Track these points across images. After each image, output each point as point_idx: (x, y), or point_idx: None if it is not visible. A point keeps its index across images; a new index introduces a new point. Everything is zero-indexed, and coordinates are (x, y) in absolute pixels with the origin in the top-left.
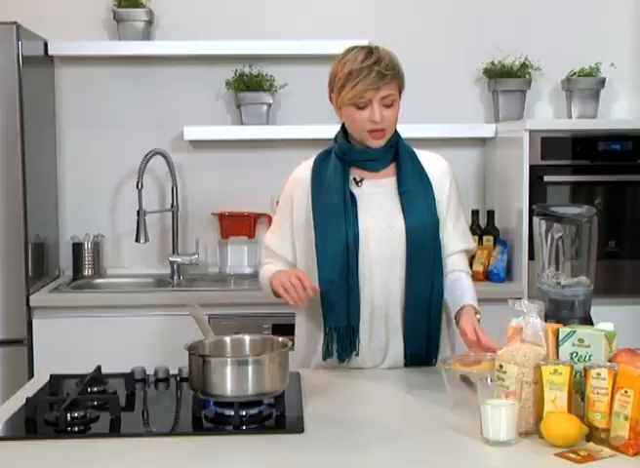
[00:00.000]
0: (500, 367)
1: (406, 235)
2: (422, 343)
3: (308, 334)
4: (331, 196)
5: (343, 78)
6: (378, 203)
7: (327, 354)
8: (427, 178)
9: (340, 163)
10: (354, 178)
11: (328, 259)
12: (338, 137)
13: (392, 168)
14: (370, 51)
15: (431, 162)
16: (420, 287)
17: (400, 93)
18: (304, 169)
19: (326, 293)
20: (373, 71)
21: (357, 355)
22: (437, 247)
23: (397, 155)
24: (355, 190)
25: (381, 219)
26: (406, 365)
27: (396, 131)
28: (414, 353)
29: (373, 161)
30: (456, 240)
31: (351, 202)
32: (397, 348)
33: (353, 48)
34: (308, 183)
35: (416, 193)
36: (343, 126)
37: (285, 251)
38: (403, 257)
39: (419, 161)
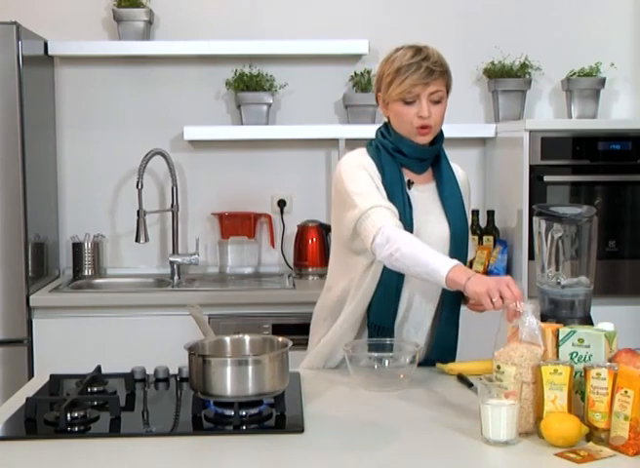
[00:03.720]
0: (498, 367)
1: (450, 241)
2: (447, 349)
3: (353, 332)
4: (395, 197)
5: (392, 74)
6: (424, 207)
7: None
8: (459, 186)
9: (394, 162)
10: (408, 181)
11: None
12: (386, 134)
13: (430, 173)
14: (419, 49)
15: (455, 171)
16: (455, 294)
17: (448, 91)
18: (366, 160)
19: (376, 293)
20: (422, 67)
21: None
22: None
23: (436, 160)
24: (408, 193)
25: (428, 224)
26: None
27: (442, 133)
28: (436, 358)
29: (422, 161)
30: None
31: (409, 205)
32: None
33: (401, 47)
34: (379, 175)
35: (455, 199)
36: (386, 125)
37: (392, 206)
38: None
39: (452, 169)
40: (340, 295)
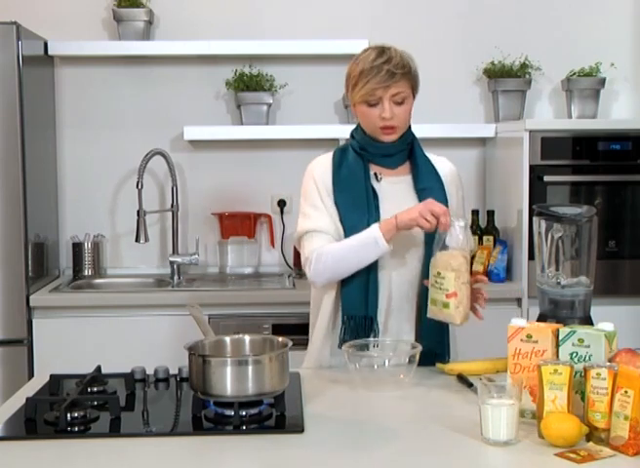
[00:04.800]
0: (438, 273)
1: (424, 232)
2: (434, 339)
3: (329, 328)
4: (353, 190)
5: (356, 77)
6: (396, 198)
7: (341, 345)
8: (440, 179)
9: (360, 159)
10: (375, 174)
11: None
12: (355, 134)
13: (407, 166)
14: (382, 50)
15: (441, 165)
16: None
17: (413, 91)
18: (323, 163)
19: (345, 283)
20: (383, 70)
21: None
22: None
23: (411, 154)
24: (375, 185)
25: None
26: (420, 363)
27: (411, 131)
28: (427, 349)
29: (389, 157)
30: None
31: (373, 196)
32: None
33: (368, 48)
34: (329, 178)
35: (432, 191)
36: (357, 125)
37: (330, 228)
38: (421, 252)
39: (431, 162)
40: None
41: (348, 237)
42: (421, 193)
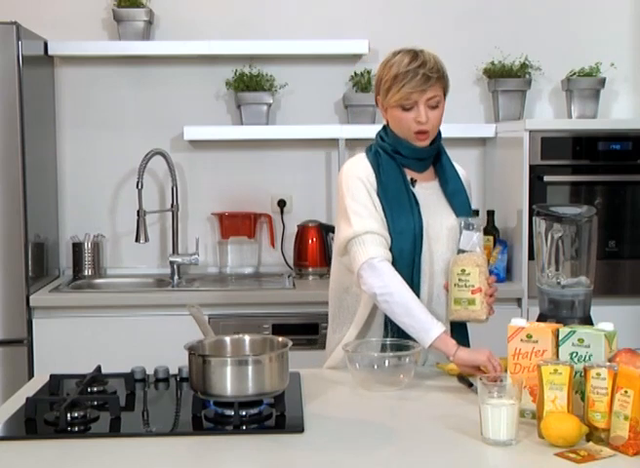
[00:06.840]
0: (463, 270)
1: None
2: (463, 339)
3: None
4: (397, 194)
5: (390, 81)
6: (430, 204)
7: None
8: (462, 182)
9: (394, 163)
10: (411, 179)
11: (396, 256)
12: (385, 137)
13: (431, 171)
14: (415, 54)
15: (457, 168)
16: None
17: (445, 94)
18: (363, 166)
19: None
20: (418, 74)
21: None
22: None
23: (437, 158)
24: (413, 190)
25: (437, 219)
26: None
27: (439, 133)
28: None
29: (421, 161)
30: None
31: (415, 202)
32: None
33: (398, 52)
34: (374, 180)
35: (460, 194)
36: (384, 128)
37: (383, 230)
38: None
39: (454, 165)
40: (350, 291)
41: (393, 242)
42: (452, 197)
